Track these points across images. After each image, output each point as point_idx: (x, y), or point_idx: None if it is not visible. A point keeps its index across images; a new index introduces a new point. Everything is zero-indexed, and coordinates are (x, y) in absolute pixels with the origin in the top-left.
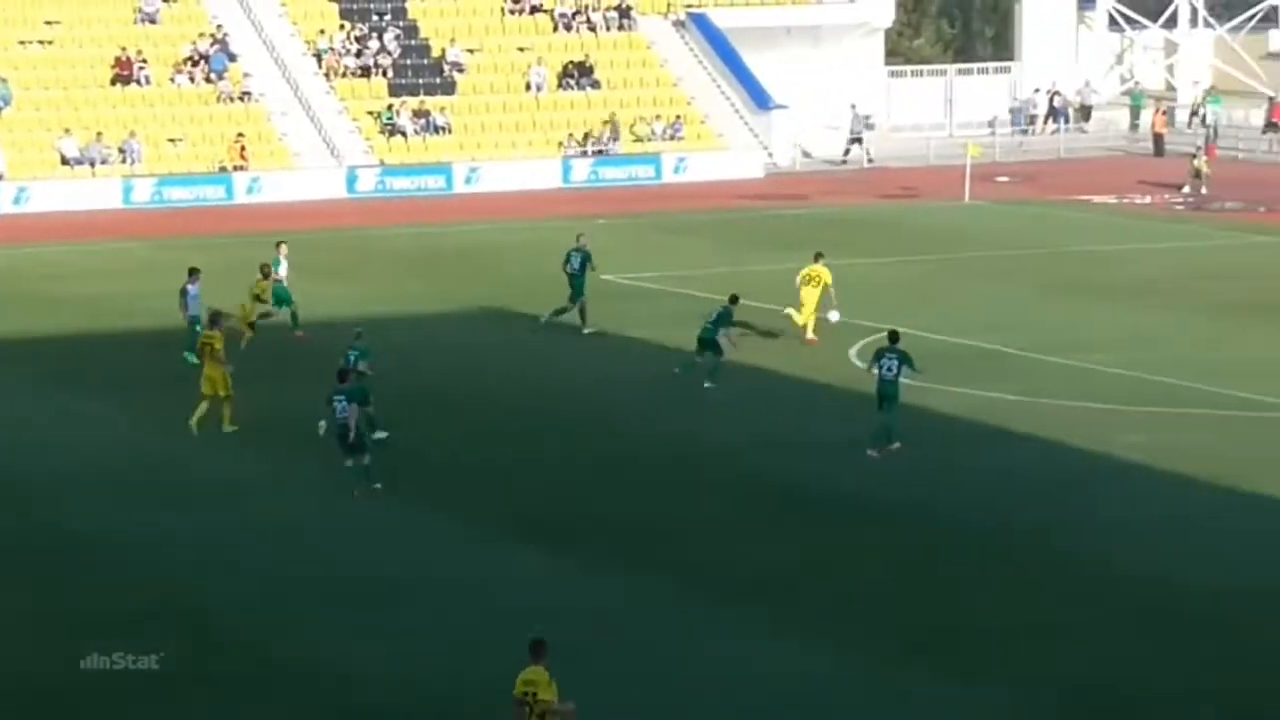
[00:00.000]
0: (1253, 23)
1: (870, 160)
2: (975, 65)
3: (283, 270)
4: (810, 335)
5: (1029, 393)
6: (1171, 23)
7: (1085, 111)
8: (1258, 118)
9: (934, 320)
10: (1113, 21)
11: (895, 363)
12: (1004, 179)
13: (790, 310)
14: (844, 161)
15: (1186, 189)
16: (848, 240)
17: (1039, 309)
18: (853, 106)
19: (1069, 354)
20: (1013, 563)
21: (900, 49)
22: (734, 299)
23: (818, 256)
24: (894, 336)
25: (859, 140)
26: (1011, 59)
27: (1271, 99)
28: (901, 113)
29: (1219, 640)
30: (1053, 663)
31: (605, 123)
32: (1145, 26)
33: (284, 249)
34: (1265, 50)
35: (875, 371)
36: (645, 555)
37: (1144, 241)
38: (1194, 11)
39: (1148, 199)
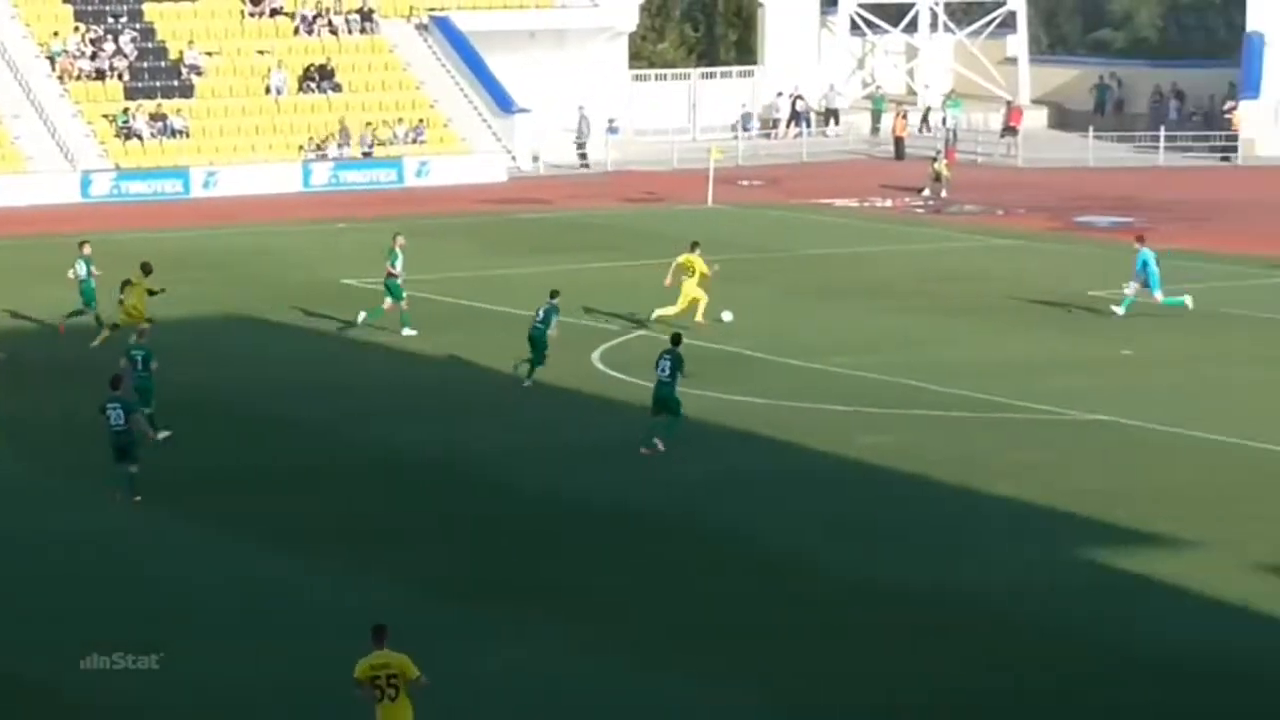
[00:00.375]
0: (991, 28)
1: (586, 165)
2: (719, 69)
3: (82, 269)
4: (699, 319)
5: (771, 395)
6: (912, 27)
7: (832, 115)
8: (996, 121)
9: (677, 323)
10: (855, 26)
11: (668, 364)
12: (747, 183)
13: (659, 312)
14: (584, 165)
15: (927, 192)
16: (591, 244)
17: (780, 312)
18: (580, 108)
19: (810, 357)
20: (712, 561)
21: (644, 53)
22: (554, 294)
23: (694, 246)
24: (675, 339)
25: (583, 144)
26: (755, 63)
27: (1009, 103)
28: (646, 117)
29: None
30: (795, 662)
31: (340, 128)
32: (887, 31)
33: (87, 248)
34: (1003, 55)
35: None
36: (400, 560)
37: (884, 244)
38: (934, 17)
39: (889, 202)
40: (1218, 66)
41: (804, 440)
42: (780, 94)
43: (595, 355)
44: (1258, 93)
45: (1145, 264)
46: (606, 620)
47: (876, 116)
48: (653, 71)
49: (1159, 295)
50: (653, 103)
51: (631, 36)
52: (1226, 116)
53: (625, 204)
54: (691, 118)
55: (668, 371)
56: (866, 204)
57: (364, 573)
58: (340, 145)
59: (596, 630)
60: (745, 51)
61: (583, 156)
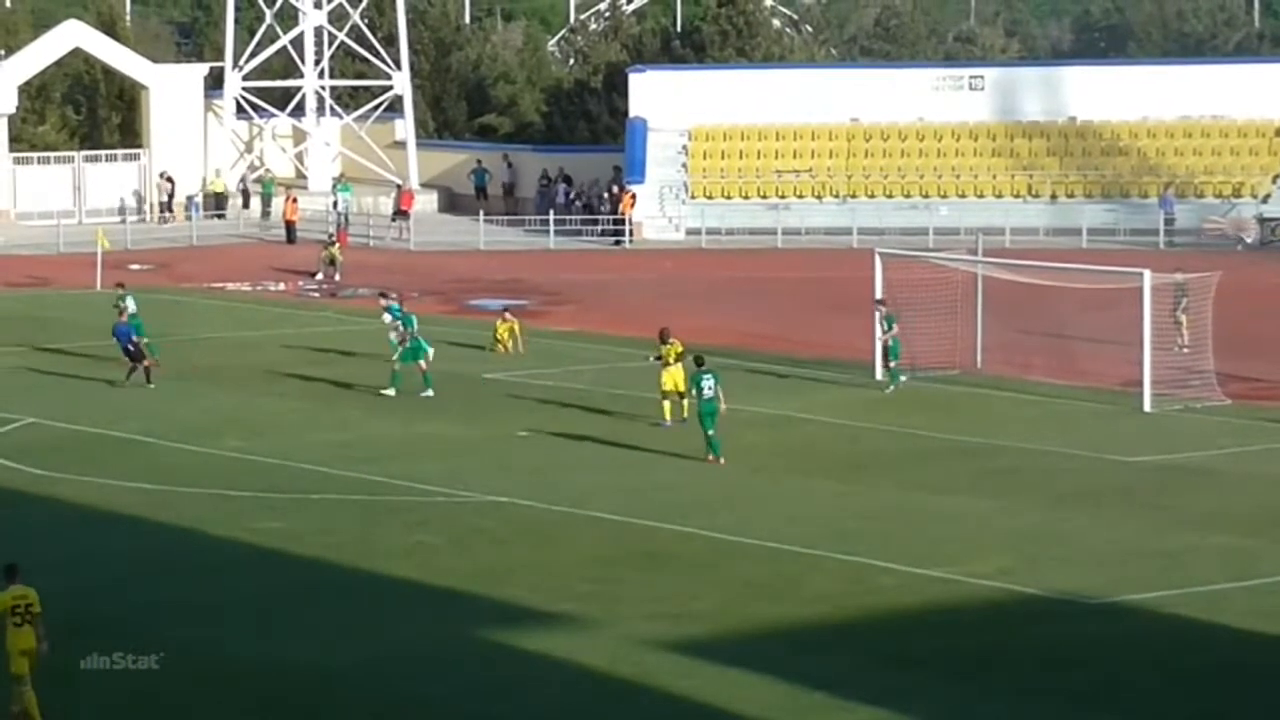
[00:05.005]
0: (378, 112)
1: None
2: (104, 152)
3: None
4: None
5: (163, 479)
6: (300, 111)
7: (220, 199)
8: (387, 205)
9: (64, 409)
10: (240, 109)
11: (713, 380)
12: (138, 266)
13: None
14: None
15: (320, 275)
16: None
17: (172, 396)
18: None
19: (200, 441)
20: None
21: (25, 135)
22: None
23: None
24: (700, 360)
25: None
26: (141, 145)
27: (399, 187)
28: (29, 200)
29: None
30: None
31: None
32: (274, 114)
33: None
34: (391, 139)
35: None
36: None
37: (278, 327)
38: (320, 100)
39: (282, 285)
40: (602, 151)
41: (200, 526)
42: (163, 175)
43: None
44: (643, 177)
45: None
46: None
47: (267, 200)
48: (35, 154)
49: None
50: (36, 186)
51: (11, 119)
52: (614, 200)
53: (11, 289)
54: (77, 201)
55: (713, 387)
56: (260, 287)
57: None
58: None
59: None
60: (130, 134)
61: None
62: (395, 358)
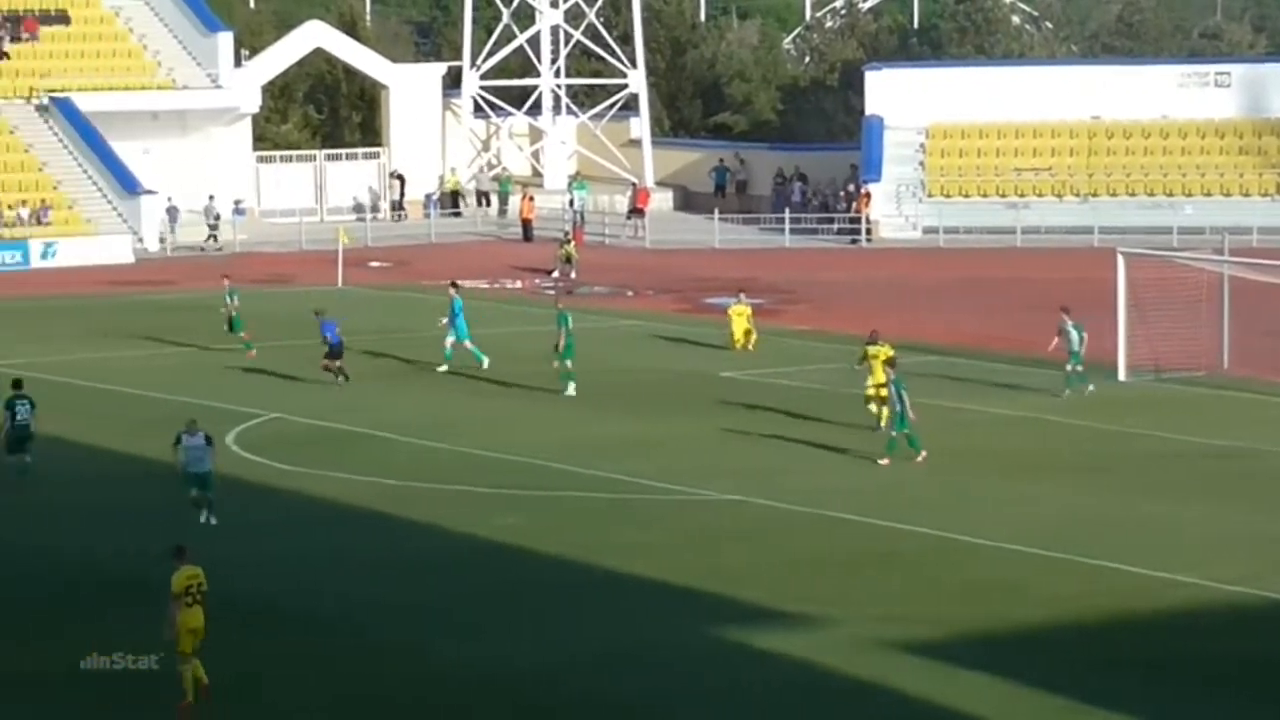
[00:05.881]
0: (613, 111)
1: (219, 248)
2: (344, 151)
3: None
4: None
5: (401, 475)
6: (536, 110)
7: (459, 197)
8: (622, 203)
9: (306, 404)
10: (478, 108)
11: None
12: (377, 264)
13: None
14: (209, 248)
15: (556, 273)
16: (218, 326)
17: (407, 393)
18: (210, 197)
19: (437, 436)
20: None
21: (268, 135)
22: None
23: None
24: (892, 362)
25: (215, 227)
26: (380, 144)
27: (634, 185)
28: (272, 197)
29: None
30: None
31: None
32: (510, 113)
33: None
34: (627, 137)
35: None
36: None
37: (514, 325)
38: (556, 99)
39: (518, 283)
40: (838, 150)
41: (439, 521)
42: (394, 174)
43: (230, 437)
44: (879, 175)
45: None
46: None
47: (504, 198)
48: (278, 153)
49: (469, 343)
50: (278, 184)
51: (255, 118)
52: (850, 198)
53: (254, 285)
54: (319, 199)
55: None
56: (497, 285)
57: None
58: None
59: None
60: (370, 133)
61: (213, 238)
62: (561, 358)
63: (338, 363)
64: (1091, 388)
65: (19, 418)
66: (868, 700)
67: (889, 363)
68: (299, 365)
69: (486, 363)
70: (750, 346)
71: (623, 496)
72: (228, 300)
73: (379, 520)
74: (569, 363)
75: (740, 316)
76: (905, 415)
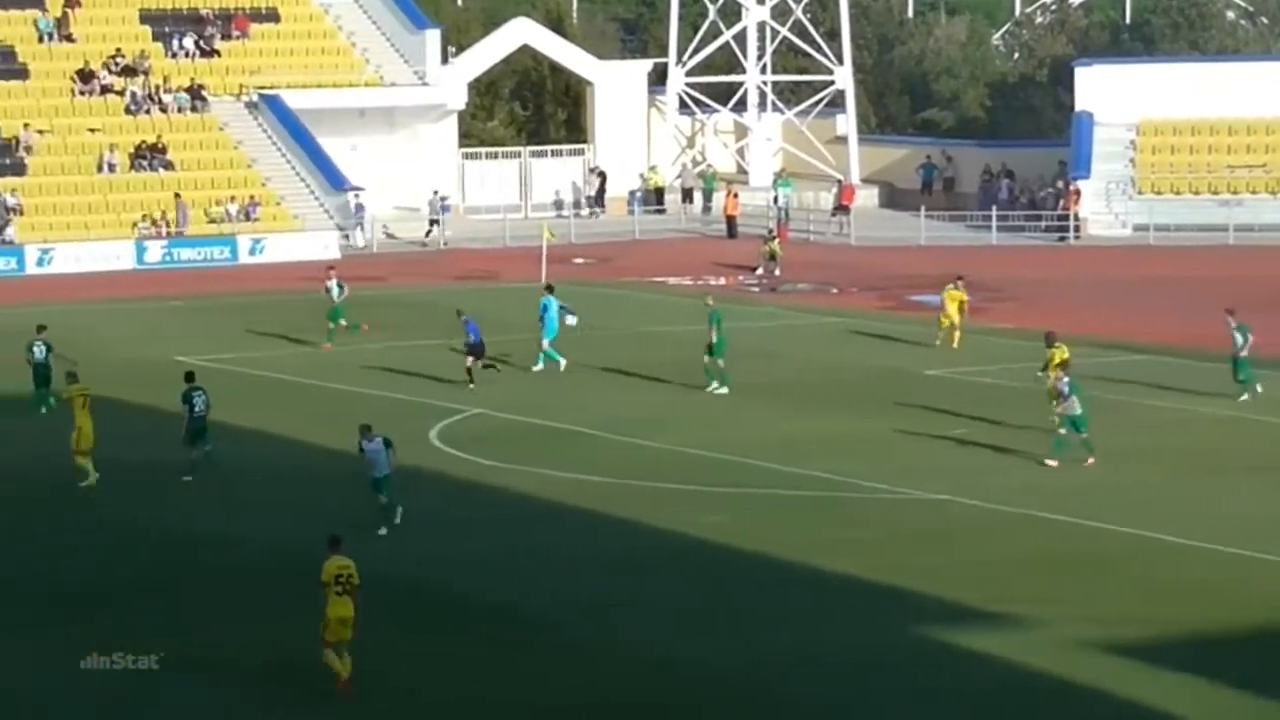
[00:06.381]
0: (819, 107)
1: (439, 244)
2: (549, 147)
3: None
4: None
5: (605, 472)
6: (741, 106)
7: (660, 194)
8: (827, 200)
9: (507, 399)
10: (683, 104)
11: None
12: (580, 260)
13: None
14: (425, 244)
15: (760, 270)
16: (424, 322)
17: (609, 389)
18: (435, 191)
19: (640, 434)
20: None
21: (474, 131)
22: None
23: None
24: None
25: (437, 222)
26: (585, 141)
27: (840, 181)
28: (476, 194)
29: None
30: None
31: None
32: (716, 110)
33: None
34: (832, 134)
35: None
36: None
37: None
38: (762, 96)
39: (722, 280)
40: (1046, 146)
41: (643, 518)
42: (593, 170)
43: (433, 433)
44: (1089, 172)
45: (547, 309)
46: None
47: (708, 195)
48: (483, 150)
49: (547, 341)
50: (483, 180)
51: (461, 115)
52: (1058, 196)
53: (458, 282)
54: (523, 195)
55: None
56: (700, 282)
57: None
58: (181, 222)
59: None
60: (575, 130)
61: (428, 233)
62: (712, 356)
63: (480, 362)
64: (1259, 388)
65: (196, 410)
66: (1074, 702)
67: (1063, 365)
68: (503, 361)
69: (564, 364)
70: (955, 344)
71: (829, 494)
72: (336, 292)
73: (582, 517)
74: (720, 361)
75: (954, 301)
76: (1083, 418)
